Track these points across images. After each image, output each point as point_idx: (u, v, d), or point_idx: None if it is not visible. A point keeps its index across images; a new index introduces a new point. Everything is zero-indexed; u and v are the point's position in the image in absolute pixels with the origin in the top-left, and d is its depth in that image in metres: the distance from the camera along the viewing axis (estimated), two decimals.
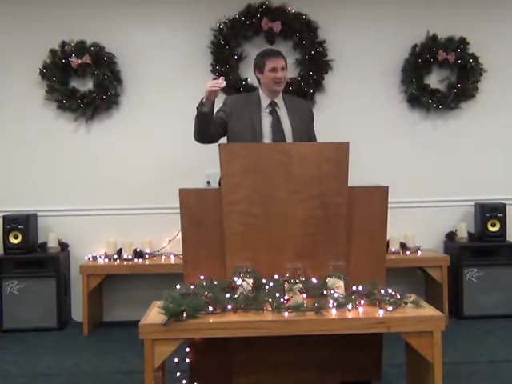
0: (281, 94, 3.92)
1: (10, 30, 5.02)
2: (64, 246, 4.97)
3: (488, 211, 4.95)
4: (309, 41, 5.00)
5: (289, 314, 2.75)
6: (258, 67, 3.90)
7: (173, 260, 4.82)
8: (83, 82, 5.06)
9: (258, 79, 3.96)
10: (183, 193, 3.15)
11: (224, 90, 4.98)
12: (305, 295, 2.84)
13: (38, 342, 4.47)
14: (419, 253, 4.87)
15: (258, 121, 3.80)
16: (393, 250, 4.87)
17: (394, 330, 2.75)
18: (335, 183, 3.10)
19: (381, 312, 2.78)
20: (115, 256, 4.86)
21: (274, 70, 3.81)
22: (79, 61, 4.94)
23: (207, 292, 2.85)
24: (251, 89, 4.97)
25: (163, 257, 4.92)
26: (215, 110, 3.81)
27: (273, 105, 3.87)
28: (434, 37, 5.08)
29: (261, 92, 3.93)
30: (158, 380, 2.76)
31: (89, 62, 4.94)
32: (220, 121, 3.83)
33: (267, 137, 3.78)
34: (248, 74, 5.05)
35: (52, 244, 4.88)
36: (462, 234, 5.00)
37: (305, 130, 3.88)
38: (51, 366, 3.96)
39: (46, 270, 4.76)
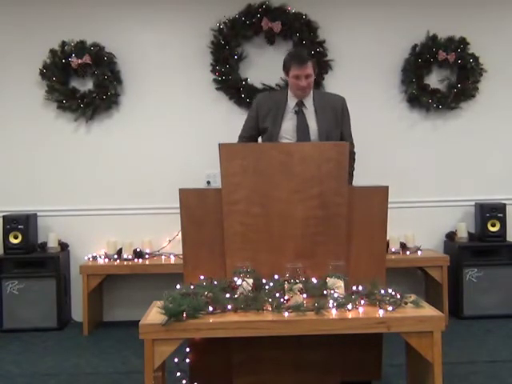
0: (311, 92, 3.79)
1: (10, 30, 5.02)
2: (64, 246, 4.97)
3: (488, 211, 4.95)
4: (309, 41, 5.00)
5: (289, 314, 2.75)
6: (285, 68, 3.75)
7: (173, 260, 4.83)
8: (83, 82, 5.06)
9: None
10: (183, 193, 3.15)
11: (227, 90, 5.03)
12: (305, 295, 2.83)
13: (37, 342, 4.47)
14: (419, 253, 4.87)
15: (279, 123, 3.74)
16: (393, 250, 4.87)
17: (393, 330, 2.75)
18: (335, 183, 3.10)
19: (381, 312, 2.78)
20: (115, 256, 4.86)
21: (297, 77, 3.67)
22: (79, 61, 4.94)
23: (207, 292, 2.85)
24: (251, 89, 4.99)
25: (163, 257, 4.92)
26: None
27: (299, 105, 3.76)
28: (434, 37, 5.08)
29: (289, 91, 3.81)
30: (158, 380, 2.75)
31: (89, 62, 4.95)
32: (254, 126, 3.84)
33: (291, 138, 3.72)
34: (248, 73, 5.06)
35: (52, 244, 4.88)
36: (462, 234, 5.00)
37: (333, 129, 3.75)
38: (51, 366, 3.96)
39: (46, 270, 4.77)
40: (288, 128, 3.75)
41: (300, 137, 3.72)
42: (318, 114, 3.75)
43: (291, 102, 3.78)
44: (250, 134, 3.88)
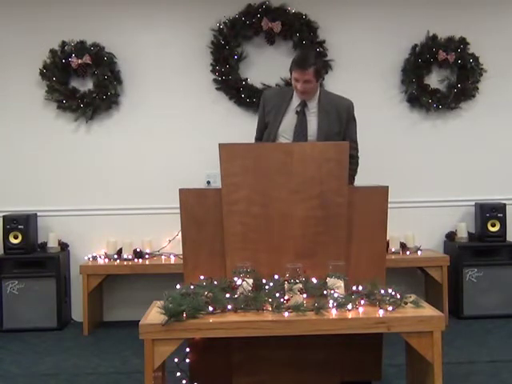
0: (317, 92, 3.75)
1: (10, 30, 5.01)
2: (64, 246, 4.97)
3: (488, 211, 4.95)
4: (309, 41, 4.99)
5: (289, 314, 2.75)
6: (290, 69, 3.71)
7: (173, 260, 4.83)
8: (83, 82, 5.06)
9: None
10: (183, 193, 3.15)
11: (227, 90, 5.03)
12: (305, 295, 2.84)
13: (37, 342, 4.47)
14: (419, 253, 4.87)
15: (279, 121, 3.72)
16: (393, 250, 4.87)
17: (394, 330, 2.75)
18: (335, 183, 3.10)
19: (381, 312, 2.78)
20: (115, 256, 4.86)
21: (296, 80, 3.64)
22: (79, 61, 4.94)
23: (207, 292, 2.85)
24: (251, 89, 4.99)
25: (163, 257, 4.92)
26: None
27: (302, 105, 3.72)
28: (434, 37, 5.08)
29: (295, 90, 3.77)
30: (158, 380, 2.76)
31: (89, 62, 4.94)
32: (263, 124, 3.84)
33: (288, 138, 3.70)
34: (248, 73, 5.05)
35: (52, 244, 4.88)
36: (462, 234, 5.00)
37: (335, 132, 3.70)
38: (51, 366, 3.96)
39: (46, 270, 4.76)
40: (287, 127, 3.73)
41: (296, 138, 3.69)
42: (320, 115, 3.72)
43: (295, 101, 3.75)
44: (262, 132, 3.86)
